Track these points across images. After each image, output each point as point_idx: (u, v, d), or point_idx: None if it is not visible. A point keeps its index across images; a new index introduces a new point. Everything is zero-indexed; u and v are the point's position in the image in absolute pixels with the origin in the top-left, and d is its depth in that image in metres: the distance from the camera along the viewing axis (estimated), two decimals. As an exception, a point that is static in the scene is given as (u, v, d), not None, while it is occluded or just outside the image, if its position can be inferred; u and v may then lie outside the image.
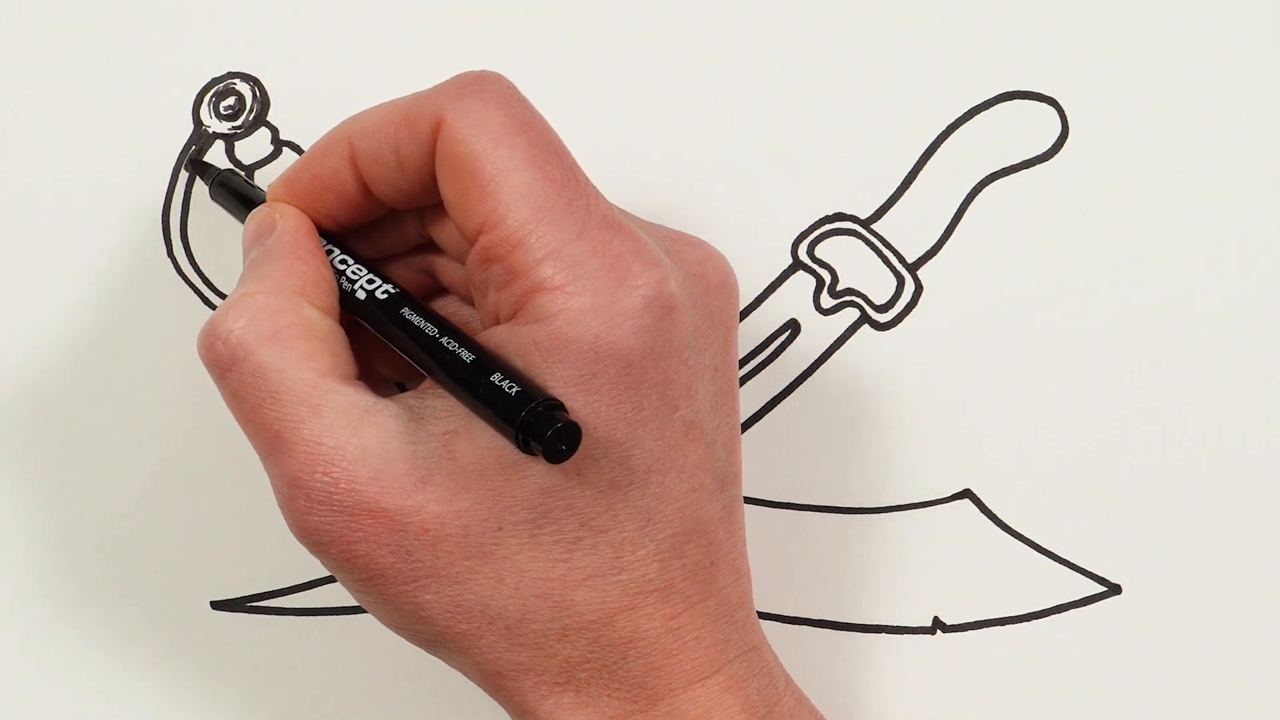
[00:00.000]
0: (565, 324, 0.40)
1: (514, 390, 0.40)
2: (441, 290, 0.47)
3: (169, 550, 0.51)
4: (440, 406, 0.42)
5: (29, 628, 0.51)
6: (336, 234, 0.46)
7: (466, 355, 0.41)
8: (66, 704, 0.51)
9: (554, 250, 0.41)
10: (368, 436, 0.41)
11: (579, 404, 0.40)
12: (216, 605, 0.52)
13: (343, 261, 0.45)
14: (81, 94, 0.53)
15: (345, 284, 0.45)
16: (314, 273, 0.44)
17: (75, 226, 0.52)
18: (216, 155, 0.52)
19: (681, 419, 0.42)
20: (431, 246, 0.46)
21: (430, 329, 0.43)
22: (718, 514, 0.43)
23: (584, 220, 0.41)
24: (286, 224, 0.45)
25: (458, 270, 0.46)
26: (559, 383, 0.40)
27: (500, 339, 0.41)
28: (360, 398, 0.42)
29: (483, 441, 0.41)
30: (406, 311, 0.44)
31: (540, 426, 0.39)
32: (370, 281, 0.45)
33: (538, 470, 0.41)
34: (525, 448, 0.40)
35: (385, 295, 0.44)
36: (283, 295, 0.43)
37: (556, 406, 0.40)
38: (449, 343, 0.42)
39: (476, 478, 0.41)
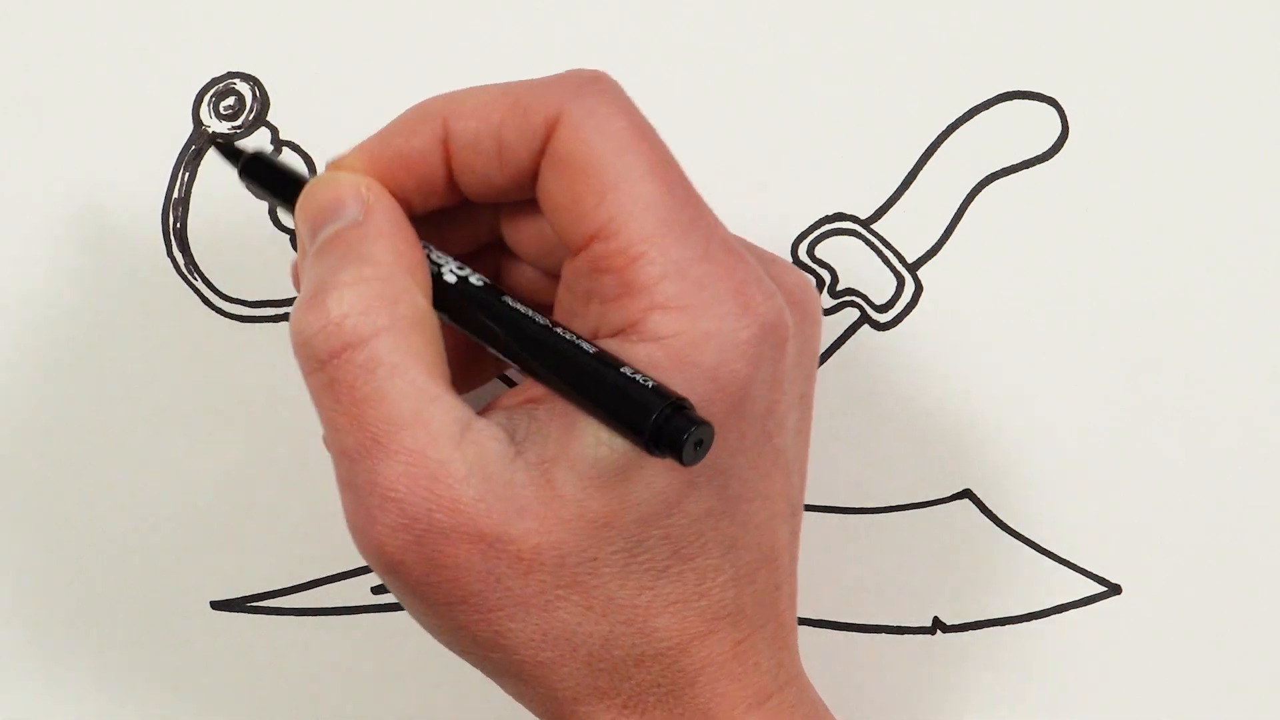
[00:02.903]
0: (687, 345, 0.39)
1: (649, 383, 0.37)
2: None
3: (169, 550, 0.51)
4: (534, 430, 0.39)
5: (29, 628, 0.52)
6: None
7: (589, 346, 0.39)
8: (66, 704, 0.51)
9: (678, 268, 0.39)
10: (470, 455, 0.39)
11: None
12: (216, 605, 0.52)
13: (425, 246, 0.41)
14: (81, 94, 0.53)
15: (432, 271, 0.41)
16: (418, 256, 0.41)
17: (75, 226, 0.52)
18: (217, 155, 0.52)
19: (773, 448, 0.41)
20: (499, 247, 0.44)
21: (541, 319, 0.39)
22: (786, 539, 0.42)
23: (707, 240, 0.39)
24: (384, 200, 0.41)
25: (526, 274, 0.44)
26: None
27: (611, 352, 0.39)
28: (463, 411, 0.39)
29: (582, 469, 0.39)
30: (509, 300, 0.40)
31: (677, 428, 0.37)
32: (461, 268, 0.41)
33: (638, 500, 0.39)
34: (654, 448, 0.37)
35: (481, 283, 0.41)
36: (397, 281, 0.40)
37: (687, 405, 0.37)
38: (566, 333, 0.39)
39: (575, 509, 0.39)
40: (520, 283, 0.44)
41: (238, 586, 0.52)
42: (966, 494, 0.52)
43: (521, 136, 0.40)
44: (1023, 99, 0.53)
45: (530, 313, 0.40)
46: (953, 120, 0.53)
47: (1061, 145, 0.52)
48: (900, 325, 0.52)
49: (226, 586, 0.52)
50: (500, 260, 0.44)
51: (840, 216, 0.52)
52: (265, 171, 0.44)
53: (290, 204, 0.43)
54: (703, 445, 0.37)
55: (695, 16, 0.53)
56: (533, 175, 0.41)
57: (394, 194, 0.42)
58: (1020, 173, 0.52)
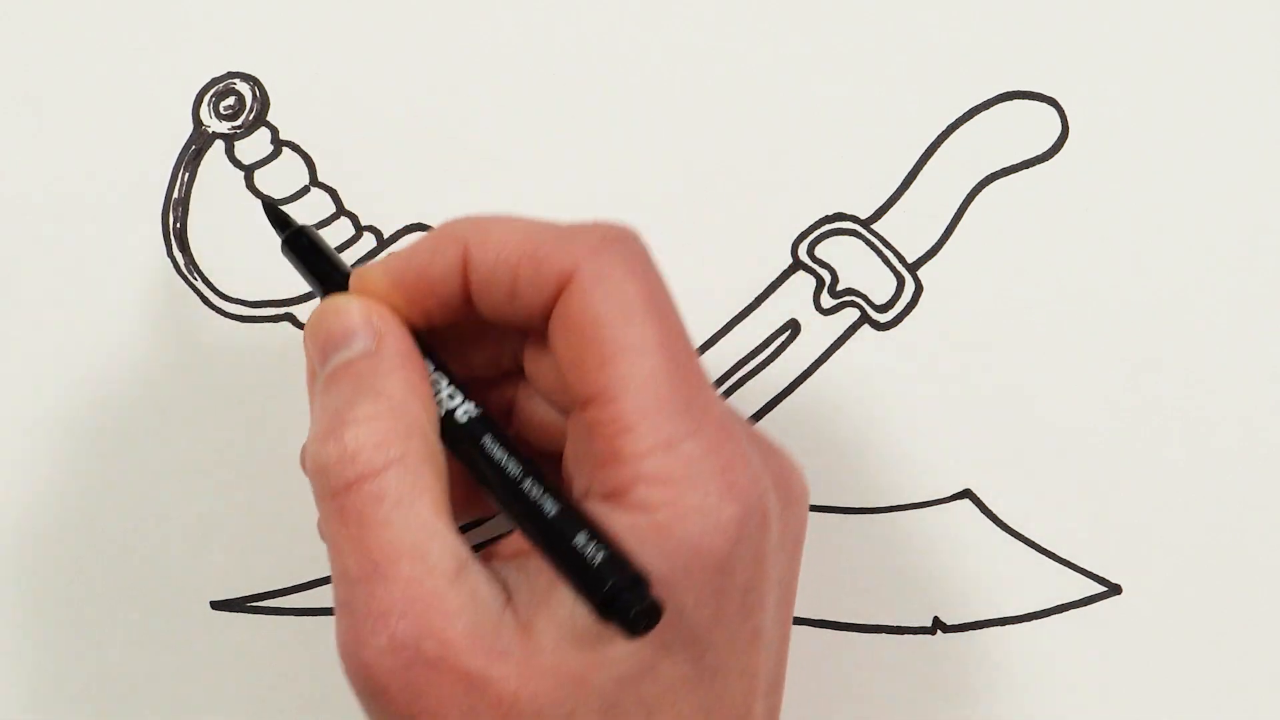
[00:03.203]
0: (669, 518, 0.39)
1: (599, 558, 0.38)
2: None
3: (169, 550, 0.51)
4: (524, 581, 0.40)
5: (29, 627, 0.52)
6: (423, 334, 0.43)
7: (551, 506, 0.40)
8: (66, 703, 0.51)
9: (666, 444, 0.39)
10: (464, 593, 0.39)
11: (667, 597, 0.39)
12: (216, 605, 0.52)
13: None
14: (81, 94, 0.53)
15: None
16: (428, 390, 0.42)
17: (75, 226, 0.52)
18: (216, 155, 0.52)
19: (752, 626, 0.41)
20: (519, 373, 0.44)
21: (514, 468, 0.40)
22: (762, 714, 0.42)
23: (700, 418, 0.40)
24: (396, 331, 0.42)
25: (540, 408, 0.44)
26: (652, 573, 0.39)
27: (596, 516, 0.40)
28: (461, 550, 0.40)
29: (561, 625, 0.39)
30: (488, 441, 0.41)
31: (625, 602, 0.38)
32: (451, 397, 0.42)
33: (613, 659, 0.39)
34: (604, 616, 0.38)
35: (466, 418, 0.41)
36: (410, 416, 0.41)
37: (642, 580, 0.38)
38: (532, 488, 0.40)
39: (554, 662, 0.39)
40: (536, 412, 0.45)
41: (238, 586, 0.52)
42: (966, 494, 0.52)
43: (534, 285, 0.41)
44: (1023, 99, 0.53)
45: (506, 460, 0.41)
46: (953, 120, 0.53)
47: (1061, 145, 0.52)
48: (900, 325, 0.52)
49: (226, 586, 0.52)
50: (519, 386, 0.45)
51: (840, 216, 0.52)
52: (307, 250, 0.45)
53: (323, 287, 0.44)
54: (650, 620, 0.38)
55: (695, 16, 0.53)
56: (545, 319, 0.41)
57: (413, 312, 0.42)
58: (1020, 173, 0.52)
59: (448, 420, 0.41)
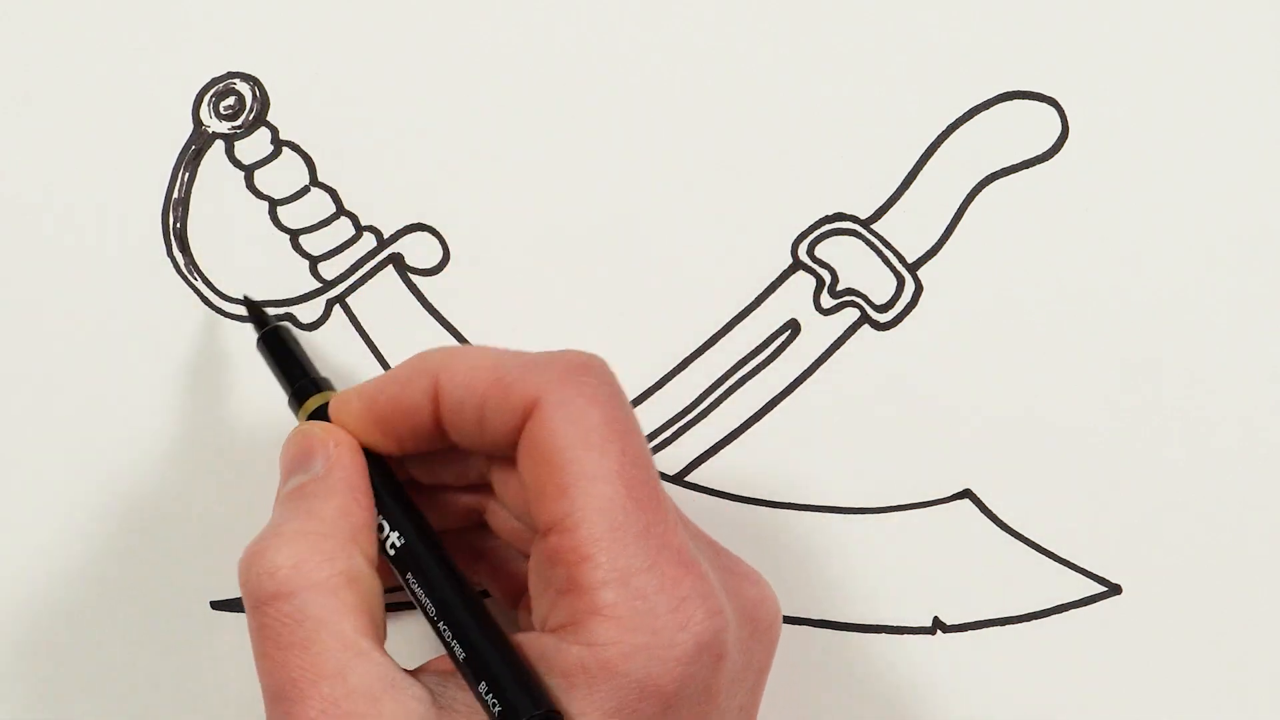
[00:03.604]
0: (616, 656, 0.39)
1: (496, 709, 0.39)
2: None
3: (169, 550, 0.51)
4: (460, 698, 0.41)
5: (29, 627, 0.51)
6: (383, 463, 0.45)
7: (460, 650, 0.41)
8: (67, 703, 0.51)
9: (620, 577, 0.40)
10: (386, 712, 0.40)
11: None
12: (216, 605, 0.51)
13: (375, 497, 0.44)
14: (81, 94, 0.53)
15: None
16: (365, 517, 0.43)
17: (75, 226, 0.52)
18: (216, 155, 0.52)
19: None
20: (488, 488, 0.45)
21: (432, 607, 0.42)
22: None
23: (657, 550, 0.40)
24: (343, 458, 0.44)
25: (509, 521, 0.45)
26: (595, 712, 0.40)
27: (545, 649, 0.40)
28: (388, 670, 0.40)
29: None
30: (410, 578, 0.42)
31: None
32: (380, 528, 0.43)
33: None
34: None
35: (393, 550, 0.43)
36: (336, 540, 0.42)
37: (553, 715, 0.39)
38: (445, 630, 0.41)
39: None
40: (505, 528, 0.45)
41: (238, 587, 0.52)
42: (966, 494, 0.52)
43: (500, 413, 0.42)
44: (1023, 99, 0.53)
45: (425, 598, 0.42)
46: (953, 120, 0.53)
47: (1061, 145, 0.52)
48: (900, 325, 0.52)
49: (226, 586, 0.52)
50: (488, 502, 0.46)
51: (840, 216, 0.52)
52: (278, 349, 0.48)
53: (288, 385, 0.47)
54: None
55: (695, 16, 0.53)
56: (513, 446, 0.42)
57: (386, 436, 0.44)
58: (1020, 173, 0.52)
59: (383, 549, 0.43)
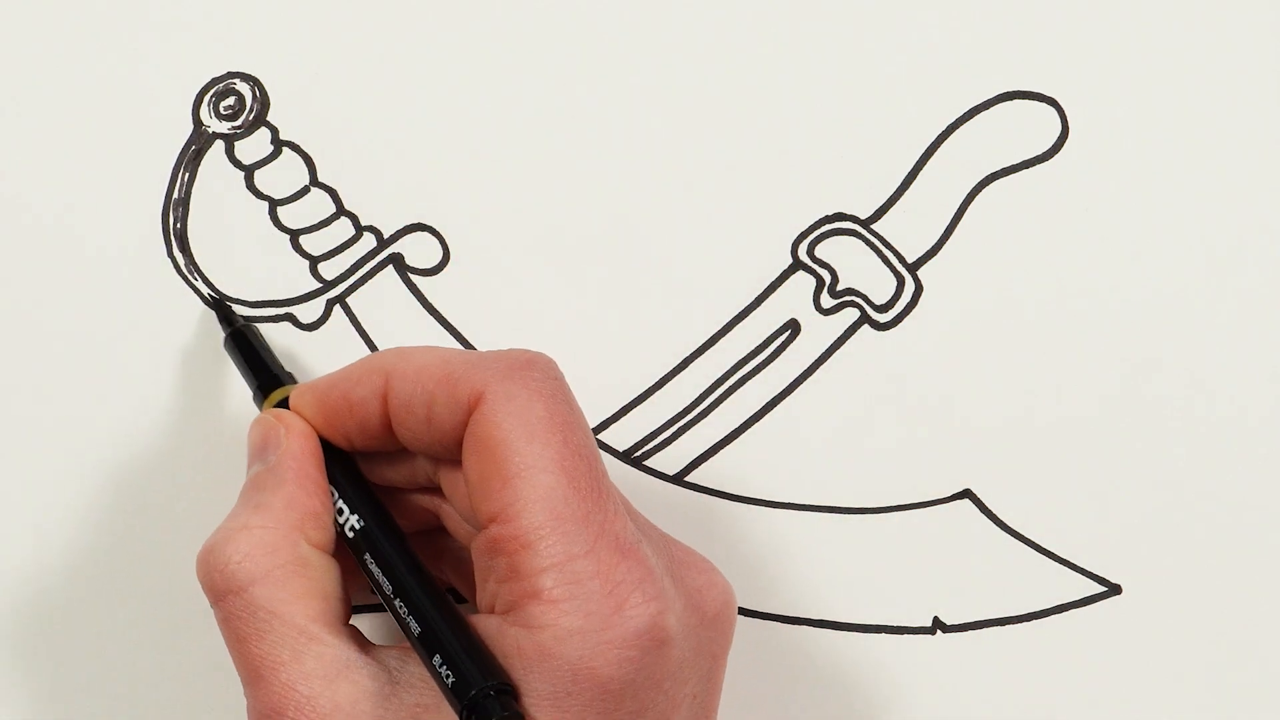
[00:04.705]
0: (551, 639, 0.40)
1: (450, 680, 0.40)
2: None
3: (169, 550, 0.51)
4: (417, 675, 0.42)
5: (29, 627, 0.51)
6: (343, 452, 0.46)
7: (415, 626, 0.42)
8: (67, 704, 0.51)
9: (558, 562, 0.41)
10: (341, 693, 0.42)
11: (554, 717, 0.40)
12: (216, 605, 0.51)
13: (333, 483, 0.45)
14: (81, 94, 0.53)
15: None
16: (314, 504, 0.44)
17: (75, 226, 0.52)
18: (216, 155, 0.52)
19: None
20: (440, 491, 0.46)
21: (388, 585, 0.43)
22: None
23: (596, 537, 0.41)
24: (292, 446, 0.45)
25: (461, 524, 0.46)
26: (534, 695, 0.40)
27: (488, 631, 0.41)
28: (342, 651, 0.42)
29: (449, 714, 0.41)
30: (368, 559, 0.44)
31: (486, 710, 0.40)
32: (340, 512, 0.45)
33: None
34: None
35: (351, 533, 0.44)
36: (281, 531, 0.44)
37: (508, 691, 0.40)
38: (401, 607, 0.43)
39: None
40: (457, 527, 0.46)
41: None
42: (966, 494, 0.51)
43: (447, 408, 0.43)
44: (1023, 99, 0.53)
45: (380, 575, 0.43)
46: (953, 120, 0.53)
47: (1061, 145, 0.52)
48: (900, 325, 0.52)
49: (226, 586, 0.52)
50: (440, 502, 0.46)
51: (840, 216, 0.52)
52: (241, 352, 0.50)
53: (254, 381, 0.49)
54: None
55: (695, 16, 0.53)
56: (458, 444, 0.43)
57: (336, 432, 0.45)
58: (1020, 173, 0.52)
59: (341, 533, 0.45)
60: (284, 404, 0.47)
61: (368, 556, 0.44)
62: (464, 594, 0.48)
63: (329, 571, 0.44)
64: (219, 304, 0.51)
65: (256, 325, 0.51)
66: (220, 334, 0.51)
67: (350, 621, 0.44)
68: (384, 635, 0.50)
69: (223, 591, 0.43)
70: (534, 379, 0.43)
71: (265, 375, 0.49)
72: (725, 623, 0.44)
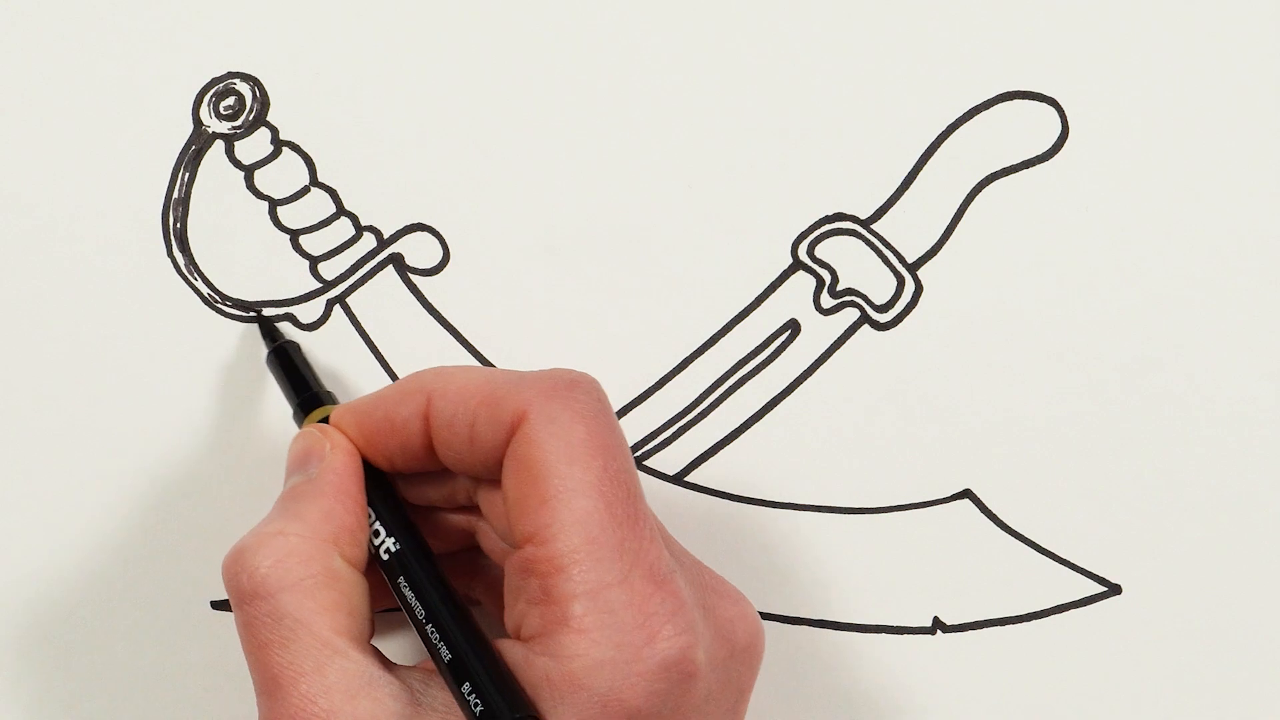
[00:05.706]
0: (581, 670, 0.40)
1: (478, 709, 0.40)
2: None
3: (169, 550, 0.51)
4: (440, 699, 0.42)
5: (29, 628, 0.51)
6: (382, 473, 0.46)
7: (446, 653, 0.42)
8: (67, 704, 0.51)
9: (591, 590, 0.41)
10: (361, 709, 0.41)
11: None
12: (216, 605, 0.51)
13: (371, 504, 0.45)
14: (81, 94, 0.53)
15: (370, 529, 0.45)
16: (351, 520, 0.44)
17: (75, 226, 0.52)
18: (216, 155, 0.52)
19: None
20: (478, 510, 0.46)
21: (420, 610, 0.43)
22: None
23: (630, 566, 0.41)
24: (334, 461, 0.45)
25: (498, 543, 0.46)
26: None
27: (515, 659, 0.41)
28: (366, 667, 0.42)
29: None
30: (401, 582, 0.44)
31: None
32: (376, 534, 0.45)
33: None
34: None
35: (387, 555, 0.44)
36: (315, 542, 0.43)
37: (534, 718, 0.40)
38: (433, 633, 0.42)
39: None
40: (494, 547, 0.46)
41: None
42: (966, 494, 0.52)
43: (490, 427, 0.43)
44: (1023, 99, 0.53)
45: (413, 600, 0.43)
46: (953, 120, 0.53)
47: (1061, 145, 0.52)
48: (900, 325, 0.52)
49: (226, 586, 0.52)
50: (478, 522, 0.46)
51: (840, 216, 0.52)
52: (287, 365, 0.50)
53: (295, 399, 0.49)
54: None
55: (695, 16, 0.53)
56: (499, 464, 0.43)
57: (378, 453, 0.45)
58: (1020, 173, 0.52)
59: (375, 554, 0.44)
60: (324, 423, 0.47)
61: (401, 580, 0.44)
62: (493, 613, 0.48)
63: (358, 588, 0.43)
64: (262, 319, 0.51)
65: (298, 343, 0.51)
66: (223, 342, 0.51)
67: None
68: (393, 654, 0.51)
69: (249, 595, 0.42)
70: (577, 400, 0.42)
71: (307, 393, 0.49)
72: (753, 656, 0.44)
